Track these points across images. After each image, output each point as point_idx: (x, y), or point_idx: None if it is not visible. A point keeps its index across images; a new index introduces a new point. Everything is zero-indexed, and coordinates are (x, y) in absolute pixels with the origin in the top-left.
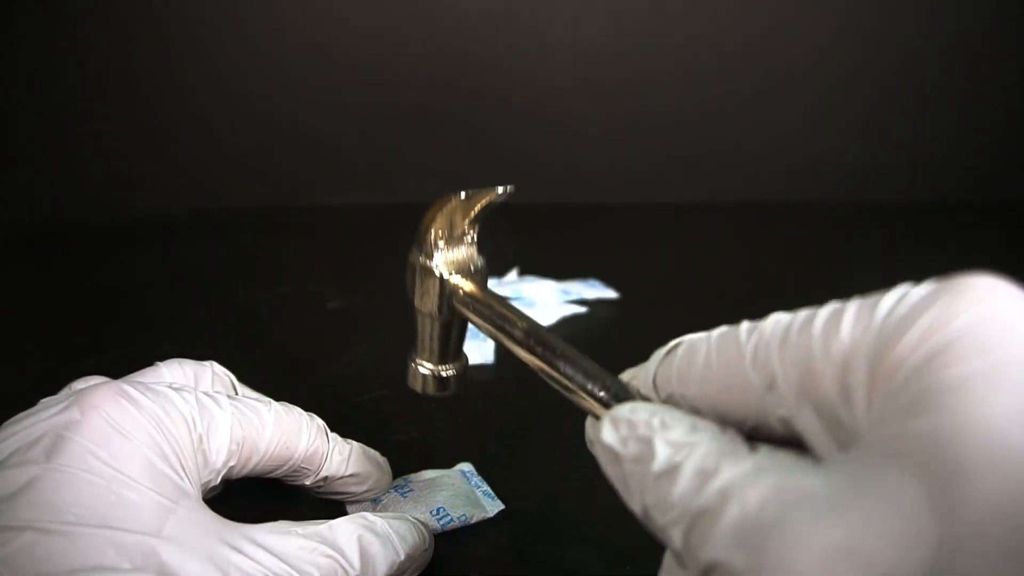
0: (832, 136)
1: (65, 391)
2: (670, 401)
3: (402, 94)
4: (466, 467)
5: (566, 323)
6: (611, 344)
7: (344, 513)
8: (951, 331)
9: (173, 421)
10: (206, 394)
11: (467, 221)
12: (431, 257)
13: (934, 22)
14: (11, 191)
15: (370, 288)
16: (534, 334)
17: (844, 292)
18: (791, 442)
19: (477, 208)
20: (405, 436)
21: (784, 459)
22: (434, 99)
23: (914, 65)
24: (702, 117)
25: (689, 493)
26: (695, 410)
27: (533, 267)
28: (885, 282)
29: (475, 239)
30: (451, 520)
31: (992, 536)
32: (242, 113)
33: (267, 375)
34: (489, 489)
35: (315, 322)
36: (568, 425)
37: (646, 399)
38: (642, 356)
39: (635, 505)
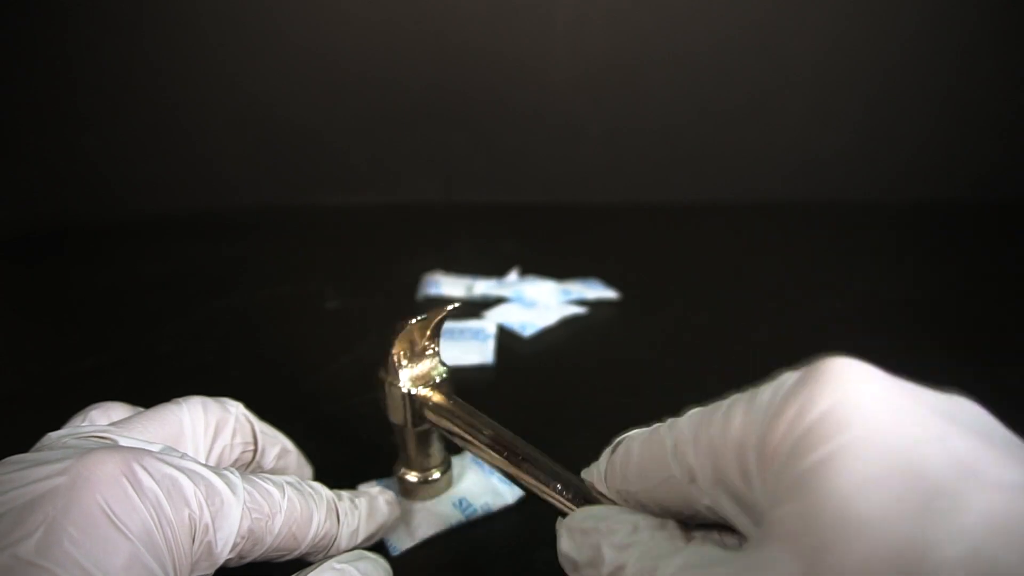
0: (832, 136)
1: (78, 418)
2: (620, 496)
3: (402, 94)
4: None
5: (566, 323)
6: (611, 344)
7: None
8: (810, 419)
9: (176, 509)
10: (219, 474)
11: (426, 338)
12: (397, 376)
13: (934, 21)
14: (11, 191)
15: (370, 288)
16: (500, 439)
17: (844, 292)
18: (724, 525)
19: (432, 325)
20: None
21: (709, 552)
22: (435, 99)
23: (914, 65)
24: (703, 117)
25: None
26: (641, 504)
27: (533, 267)
28: (885, 282)
29: (437, 352)
30: (475, 510)
31: None
32: (242, 113)
33: (267, 375)
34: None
35: (315, 322)
36: (567, 428)
37: (600, 495)
38: (642, 356)
39: None
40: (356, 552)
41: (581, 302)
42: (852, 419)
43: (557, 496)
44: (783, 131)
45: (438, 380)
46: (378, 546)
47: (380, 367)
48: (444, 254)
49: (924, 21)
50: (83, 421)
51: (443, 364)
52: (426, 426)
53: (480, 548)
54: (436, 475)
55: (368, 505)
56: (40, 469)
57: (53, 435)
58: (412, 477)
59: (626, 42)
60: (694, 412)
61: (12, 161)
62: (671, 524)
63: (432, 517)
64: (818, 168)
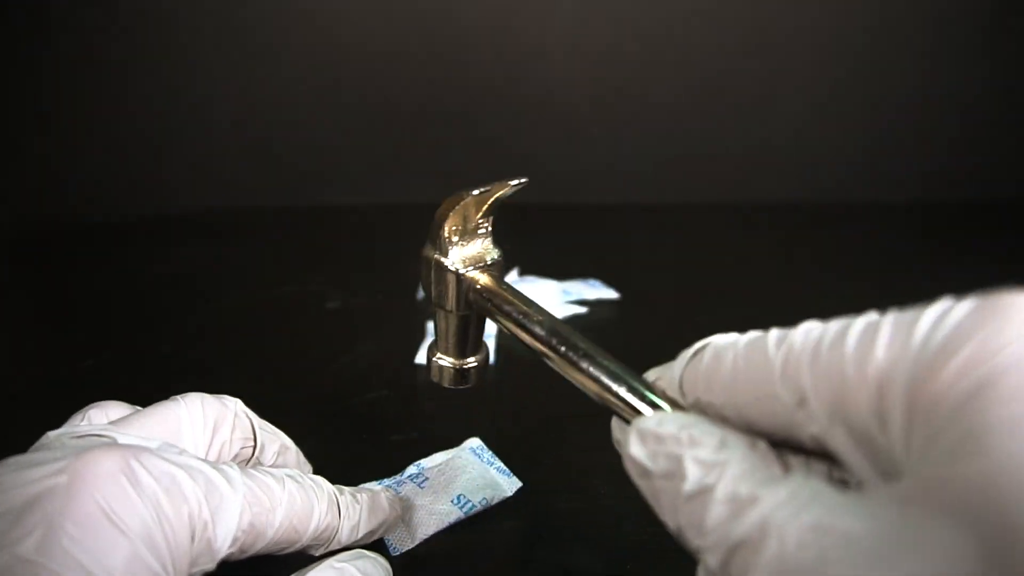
0: (833, 137)
1: (77, 417)
2: (697, 407)
3: (402, 95)
4: (475, 443)
5: (566, 323)
6: (611, 344)
7: (311, 560)
8: (998, 364)
9: (175, 506)
10: (218, 469)
11: (480, 215)
12: (446, 253)
13: (936, 22)
14: (11, 191)
15: (370, 288)
16: (556, 331)
17: (844, 292)
18: (822, 454)
19: (490, 201)
20: (405, 436)
21: (822, 490)
22: (434, 99)
23: (916, 66)
24: (703, 118)
25: (724, 521)
26: (723, 418)
27: (533, 267)
28: (885, 282)
29: (490, 232)
30: (473, 506)
31: None
32: (242, 113)
33: (267, 375)
34: (503, 465)
35: (315, 322)
36: (566, 429)
37: (672, 402)
38: (642, 356)
39: (668, 521)
40: (356, 551)
41: (581, 302)
42: None
43: (620, 400)
44: (783, 131)
45: (489, 262)
46: (378, 546)
47: (427, 244)
48: None
49: (925, 21)
50: (82, 420)
51: (495, 247)
52: (470, 311)
53: (480, 548)
54: (471, 363)
55: (369, 501)
56: (39, 469)
57: (52, 434)
58: (446, 363)
59: (626, 42)
60: (813, 327)
61: (12, 161)
62: (762, 445)
63: (431, 516)
64: (818, 168)
